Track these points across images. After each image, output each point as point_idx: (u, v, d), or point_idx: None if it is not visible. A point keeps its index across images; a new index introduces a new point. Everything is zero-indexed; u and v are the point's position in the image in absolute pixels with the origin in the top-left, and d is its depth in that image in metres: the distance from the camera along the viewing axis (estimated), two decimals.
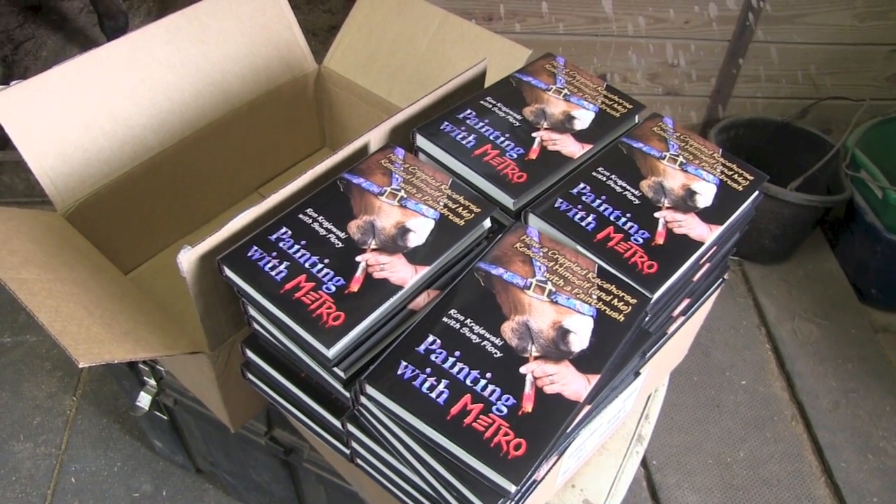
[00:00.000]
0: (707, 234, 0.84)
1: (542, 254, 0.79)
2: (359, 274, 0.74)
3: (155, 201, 1.22)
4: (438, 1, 1.96)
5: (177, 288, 1.21)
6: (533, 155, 0.89)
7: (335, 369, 0.72)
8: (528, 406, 0.66)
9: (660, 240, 0.82)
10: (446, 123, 0.92)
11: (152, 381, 1.35)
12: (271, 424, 1.22)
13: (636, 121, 1.00)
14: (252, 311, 0.81)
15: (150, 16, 2.98)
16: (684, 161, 0.92)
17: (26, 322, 2.07)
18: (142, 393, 1.38)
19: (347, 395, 0.74)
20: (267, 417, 1.21)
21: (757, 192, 0.91)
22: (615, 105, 0.99)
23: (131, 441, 1.84)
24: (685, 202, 0.87)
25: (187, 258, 0.77)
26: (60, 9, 3.03)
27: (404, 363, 0.69)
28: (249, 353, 0.88)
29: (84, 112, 1.09)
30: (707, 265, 0.89)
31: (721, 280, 1.01)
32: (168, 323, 0.99)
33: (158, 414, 1.46)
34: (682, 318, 0.94)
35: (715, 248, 0.88)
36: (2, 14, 2.94)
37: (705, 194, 0.89)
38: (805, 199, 2.04)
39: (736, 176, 0.92)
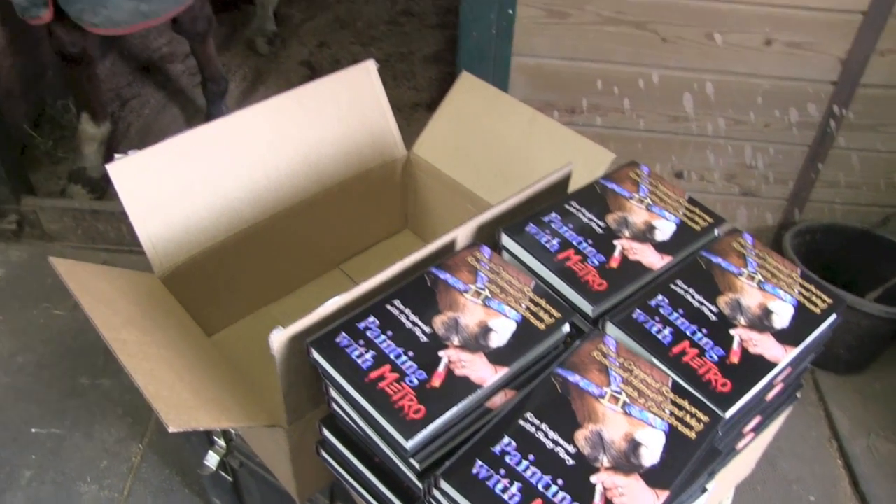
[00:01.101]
0: (782, 355, 0.85)
1: (618, 364, 0.81)
2: (441, 369, 0.77)
3: (243, 269, 1.28)
4: (525, 90, 2.03)
5: (257, 354, 1.26)
6: (614, 263, 0.92)
7: (411, 460, 0.74)
8: None
9: (734, 358, 0.83)
10: (531, 225, 0.96)
11: (222, 442, 1.39)
12: (334, 499, 1.24)
13: (716, 234, 1.02)
14: (334, 393, 0.85)
15: (246, 81, 3.13)
16: (762, 279, 0.94)
17: (104, 366, 2.15)
18: (210, 452, 1.42)
19: (421, 486, 0.76)
20: (331, 492, 1.23)
21: (835, 316, 0.92)
22: (696, 218, 1.02)
23: (191, 495, 1.88)
24: (762, 321, 0.88)
25: (278, 338, 0.81)
26: (167, 70, 3.21)
27: (479, 462, 0.71)
28: (326, 433, 0.91)
29: (189, 183, 1.16)
30: (781, 385, 0.90)
31: (794, 398, 1.01)
32: (249, 392, 1.03)
33: (223, 474, 1.50)
34: (752, 435, 0.94)
35: (790, 369, 0.88)
36: (116, 73, 3.13)
37: (782, 315, 0.90)
38: (885, 311, 2.00)
39: (814, 298, 0.93)
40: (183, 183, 1.16)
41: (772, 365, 0.84)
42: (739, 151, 2.19)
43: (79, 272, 1.07)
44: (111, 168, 1.13)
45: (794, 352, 0.86)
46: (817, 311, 0.91)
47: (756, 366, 0.83)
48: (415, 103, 3.00)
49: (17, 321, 2.33)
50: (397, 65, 3.22)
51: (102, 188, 2.63)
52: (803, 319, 0.90)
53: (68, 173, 2.67)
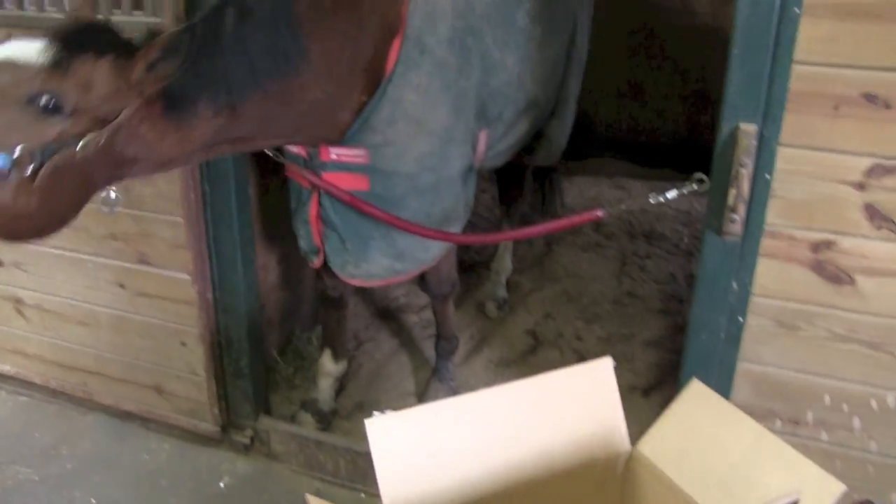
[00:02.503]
0: None
1: None
2: None
3: None
4: (748, 396, 2.05)
5: None
6: None
7: None
8: None
9: None
10: None
11: None
12: None
13: None
14: None
15: (472, 341, 3.35)
16: None
17: None
18: None
19: None
20: None
21: None
22: None
23: None
24: None
25: None
26: (401, 319, 3.53)
27: None
28: None
29: (434, 452, 1.30)
30: None
31: None
32: None
33: None
34: None
35: None
36: (356, 315, 3.46)
37: None
38: None
39: None
40: (429, 450, 1.30)
41: None
42: None
43: None
44: (369, 425, 1.28)
45: None
46: None
47: None
48: (632, 386, 3.05)
49: None
50: (617, 345, 3.32)
51: (328, 420, 2.86)
52: None
53: (301, 401, 2.93)
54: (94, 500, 2.62)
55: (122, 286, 2.70)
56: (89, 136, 1.63)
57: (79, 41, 1.64)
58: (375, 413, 1.30)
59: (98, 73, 1.64)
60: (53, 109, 1.60)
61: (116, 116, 1.66)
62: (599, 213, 2.01)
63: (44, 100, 1.58)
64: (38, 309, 2.92)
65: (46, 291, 2.87)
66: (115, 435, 2.94)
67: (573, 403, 1.43)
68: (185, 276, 2.54)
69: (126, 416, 2.96)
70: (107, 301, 2.77)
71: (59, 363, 3.00)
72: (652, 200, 1.98)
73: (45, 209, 1.64)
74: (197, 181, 2.42)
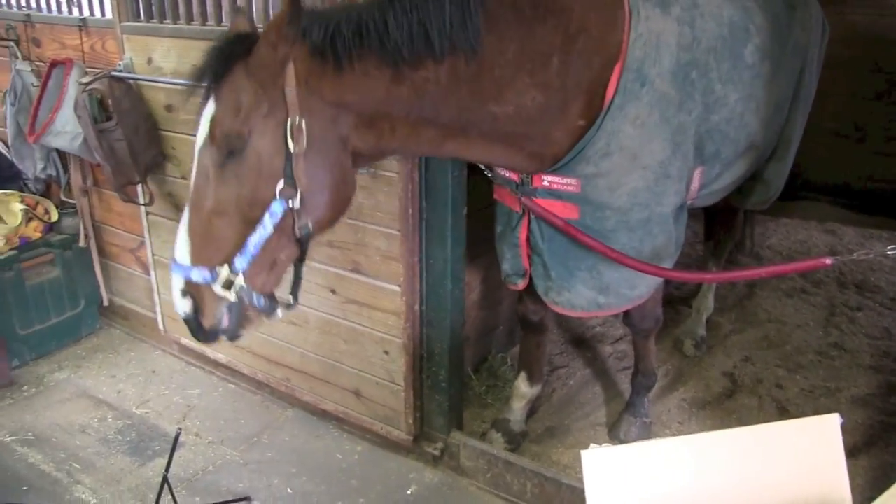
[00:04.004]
0: None
1: None
2: None
3: None
4: None
5: None
6: None
7: None
8: None
9: None
10: None
11: None
12: None
13: None
14: None
15: (667, 378, 3.27)
16: None
17: None
18: None
19: None
20: None
21: None
22: None
23: None
24: None
25: None
26: (596, 348, 3.50)
27: None
28: None
29: (645, 491, 1.28)
30: None
31: None
32: None
33: None
34: None
35: None
36: (551, 340, 3.45)
37: None
38: None
39: None
40: (642, 490, 1.28)
41: None
42: None
43: None
44: (586, 455, 1.28)
45: None
46: None
47: None
48: None
49: None
50: (821, 399, 3.12)
51: (518, 442, 2.87)
52: None
53: (493, 420, 2.97)
54: (289, 490, 2.77)
55: (333, 291, 2.85)
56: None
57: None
58: (593, 445, 1.31)
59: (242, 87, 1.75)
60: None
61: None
62: (828, 261, 1.89)
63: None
64: None
65: None
66: (312, 432, 3.10)
67: (795, 458, 1.37)
68: (395, 288, 2.65)
69: (323, 414, 3.13)
70: (317, 304, 2.92)
71: (266, 357, 3.21)
72: (890, 252, 1.84)
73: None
74: (416, 196, 2.51)
